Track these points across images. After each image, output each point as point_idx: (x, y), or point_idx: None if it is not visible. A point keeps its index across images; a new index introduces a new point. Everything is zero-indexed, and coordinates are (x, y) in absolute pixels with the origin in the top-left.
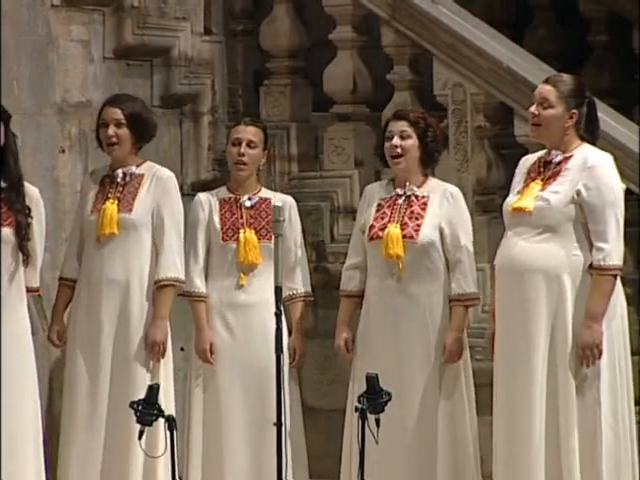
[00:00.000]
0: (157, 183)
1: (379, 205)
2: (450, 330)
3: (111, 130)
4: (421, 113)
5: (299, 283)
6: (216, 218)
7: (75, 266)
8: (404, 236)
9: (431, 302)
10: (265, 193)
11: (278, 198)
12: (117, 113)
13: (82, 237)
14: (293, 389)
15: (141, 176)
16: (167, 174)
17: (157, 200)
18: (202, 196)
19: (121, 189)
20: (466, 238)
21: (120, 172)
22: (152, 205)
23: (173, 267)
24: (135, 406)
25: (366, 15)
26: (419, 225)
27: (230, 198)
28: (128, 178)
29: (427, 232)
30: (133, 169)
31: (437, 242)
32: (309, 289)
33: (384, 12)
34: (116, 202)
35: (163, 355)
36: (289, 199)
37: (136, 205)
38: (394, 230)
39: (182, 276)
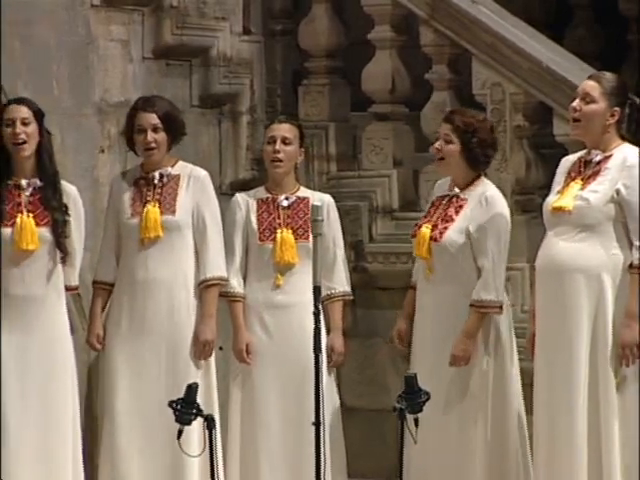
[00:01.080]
0: (194, 183)
1: (432, 203)
2: (460, 334)
3: (150, 136)
4: (470, 117)
5: (338, 282)
6: (253, 218)
7: (111, 270)
8: (430, 237)
9: (457, 304)
10: (303, 192)
11: (316, 197)
12: (153, 118)
13: (119, 240)
14: (332, 389)
15: (177, 176)
16: (202, 173)
17: (196, 200)
18: (239, 196)
19: (159, 191)
20: (493, 244)
21: (157, 174)
22: (192, 205)
23: (217, 266)
24: (174, 405)
25: (405, 14)
26: (446, 228)
27: (267, 198)
28: (165, 179)
29: (451, 235)
30: (169, 170)
31: (463, 246)
32: (348, 288)
33: (423, 11)
34: (157, 204)
35: (211, 354)
36: (327, 198)
37: (178, 206)
38: (424, 231)
39: (226, 274)
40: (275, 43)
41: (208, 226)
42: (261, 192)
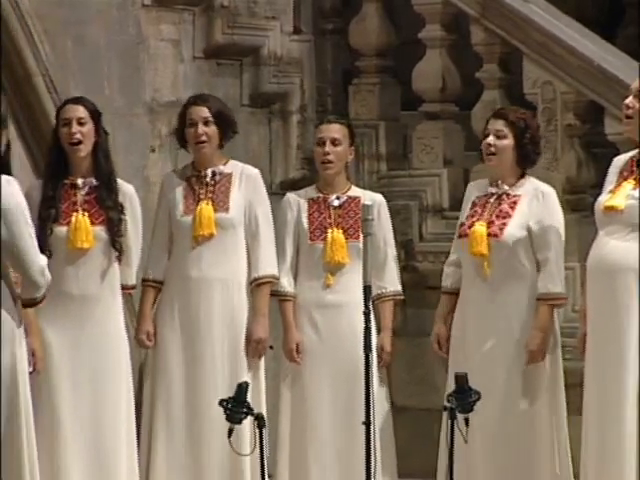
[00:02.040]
0: (247, 181)
1: (474, 203)
2: (533, 329)
3: (200, 129)
4: (522, 114)
5: (388, 282)
6: (304, 218)
7: (161, 267)
8: (489, 234)
9: (517, 301)
10: (354, 191)
11: (367, 196)
12: (205, 111)
13: (170, 238)
14: (382, 388)
15: (229, 174)
16: (254, 171)
17: (249, 198)
18: (290, 196)
19: (212, 189)
20: (555, 238)
21: (209, 171)
22: (244, 203)
23: (269, 264)
24: (224, 404)
25: (455, 13)
26: (505, 224)
27: (318, 198)
28: (217, 177)
29: (512, 231)
30: (221, 168)
31: (524, 241)
32: (398, 288)
33: (474, 10)
34: (210, 202)
35: (264, 351)
36: (378, 197)
37: (231, 204)
38: (479, 228)
39: (277, 272)
40: (325, 42)
41: (260, 224)
42: (312, 191)
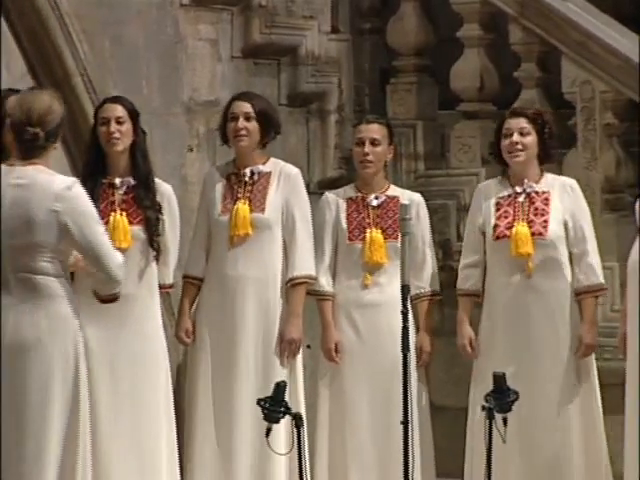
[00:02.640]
0: (285, 180)
1: (498, 204)
2: (584, 323)
3: (240, 123)
4: (537, 110)
5: (426, 282)
6: (342, 218)
7: (201, 264)
8: (533, 234)
9: (559, 297)
10: (393, 191)
11: (406, 196)
12: (247, 107)
13: (209, 236)
14: (421, 388)
15: (268, 174)
16: (294, 171)
17: (286, 197)
18: (329, 195)
19: (250, 188)
20: (589, 230)
21: (248, 170)
22: (282, 203)
23: (306, 265)
24: (262, 404)
25: (494, 12)
26: (546, 221)
27: (357, 197)
28: (256, 176)
29: (555, 227)
30: (260, 167)
31: (563, 236)
32: (437, 287)
33: (512, 9)
34: (247, 202)
35: (298, 352)
36: (417, 197)
37: (268, 204)
38: (522, 229)
39: (314, 273)
40: (363, 41)
41: (297, 224)
42: (351, 191)
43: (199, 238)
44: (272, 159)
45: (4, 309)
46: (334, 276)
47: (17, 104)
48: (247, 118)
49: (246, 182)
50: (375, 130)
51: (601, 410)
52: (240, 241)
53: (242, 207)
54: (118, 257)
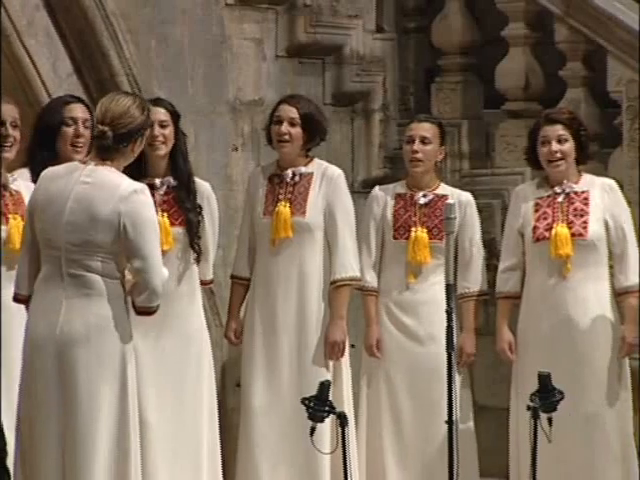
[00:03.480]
0: (327, 182)
1: (537, 205)
2: (627, 323)
3: (284, 127)
4: (570, 112)
5: (473, 281)
6: (389, 214)
7: (246, 264)
8: (572, 234)
9: (599, 298)
10: (443, 189)
11: (455, 195)
12: (293, 111)
13: (253, 236)
14: (464, 388)
15: (310, 175)
16: (337, 172)
17: (328, 199)
18: (378, 191)
19: (291, 189)
20: (630, 229)
21: (290, 172)
22: (324, 205)
23: (349, 267)
24: (307, 403)
25: (539, 11)
26: (585, 222)
27: (406, 194)
28: (297, 178)
29: (595, 228)
30: (302, 169)
31: (604, 236)
32: (482, 288)
33: (558, 8)
34: (288, 204)
35: (342, 354)
36: (465, 196)
37: (308, 207)
38: (562, 230)
39: (358, 274)
40: (408, 40)
41: (340, 226)
42: (400, 187)
43: (244, 238)
44: (316, 160)
45: (56, 302)
46: (379, 272)
47: (100, 103)
48: (291, 123)
49: (287, 183)
50: (426, 128)
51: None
52: (281, 243)
53: (283, 209)
54: (164, 273)
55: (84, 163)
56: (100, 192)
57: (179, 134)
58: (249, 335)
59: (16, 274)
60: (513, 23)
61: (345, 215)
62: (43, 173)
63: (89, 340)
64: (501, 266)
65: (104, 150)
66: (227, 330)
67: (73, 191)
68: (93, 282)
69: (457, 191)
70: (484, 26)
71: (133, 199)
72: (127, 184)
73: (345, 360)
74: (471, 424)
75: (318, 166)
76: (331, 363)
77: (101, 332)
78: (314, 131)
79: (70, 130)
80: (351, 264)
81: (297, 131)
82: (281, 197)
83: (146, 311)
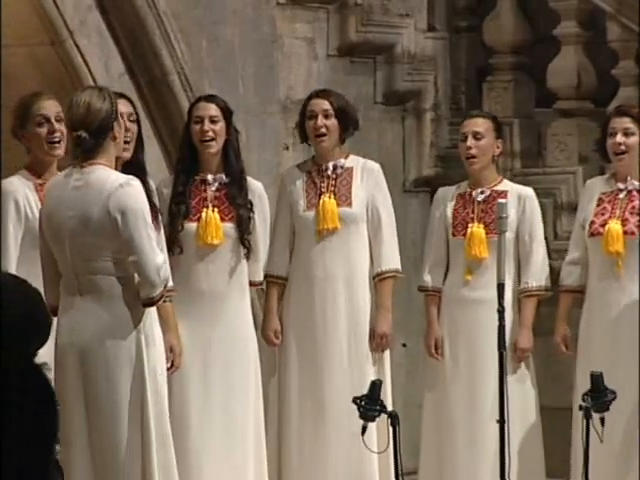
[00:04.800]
0: (368, 175)
1: (600, 200)
2: None
3: (320, 121)
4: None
5: (533, 277)
6: (449, 213)
7: (284, 264)
8: (625, 232)
9: None
10: (504, 186)
11: (516, 190)
12: (325, 104)
13: (291, 234)
14: (529, 387)
15: (350, 169)
16: (376, 166)
17: (371, 192)
18: (440, 191)
19: (334, 182)
20: None
21: (330, 164)
22: (367, 197)
23: (392, 259)
24: (358, 402)
25: (591, 10)
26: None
27: (465, 192)
28: (339, 170)
29: None
30: (342, 161)
31: None
32: (542, 283)
33: (610, 6)
34: (332, 196)
35: (389, 346)
36: (526, 191)
37: (354, 198)
38: (614, 226)
39: (400, 267)
40: (459, 39)
41: (382, 219)
42: (463, 186)
43: (280, 237)
44: (352, 155)
45: (70, 309)
46: (445, 272)
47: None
48: (326, 116)
49: (329, 176)
50: (478, 124)
51: None
52: (327, 236)
53: (328, 201)
54: (157, 259)
55: (75, 166)
56: (90, 193)
57: (231, 130)
58: (289, 333)
59: (43, 288)
60: (565, 22)
61: (387, 209)
62: (48, 183)
63: (104, 344)
64: (566, 259)
65: (88, 151)
66: (266, 330)
67: (68, 198)
68: (105, 283)
69: (517, 186)
70: (536, 25)
71: (119, 193)
72: (113, 179)
73: (387, 356)
74: (537, 423)
75: (356, 160)
76: (376, 356)
77: (115, 335)
78: (348, 122)
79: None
80: (394, 256)
81: (333, 123)
82: (324, 189)
83: (148, 303)
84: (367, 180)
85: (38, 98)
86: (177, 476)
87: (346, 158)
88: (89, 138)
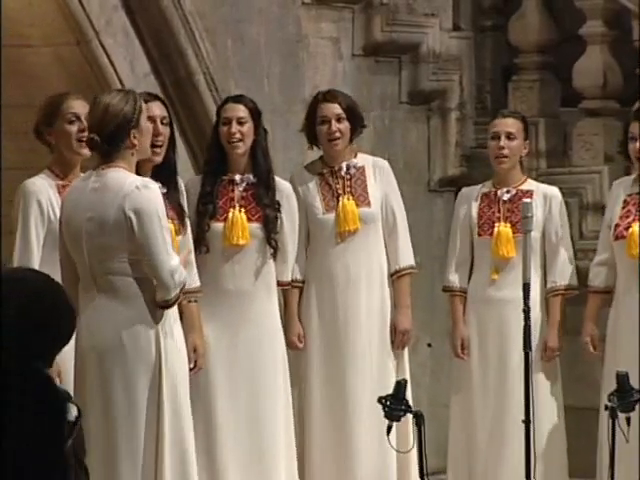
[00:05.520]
0: (380, 173)
1: (625, 202)
2: None
3: (334, 126)
4: None
5: (559, 276)
6: (474, 212)
7: (302, 267)
8: None
9: None
10: (529, 185)
11: (541, 190)
12: (337, 108)
13: (307, 236)
14: (554, 386)
15: (362, 167)
16: (385, 163)
17: (384, 190)
18: (465, 191)
19: (349, 182)
20: None
21: (344, 165)
22: (381, 195)
23: (408, 255)
24: (383, 401)
25: (617, 9)
26: None
27: (490, 192)
28: (352, 170)
29: None
30: (354, 161)
31: None
32: (570, 282)
33: (636, 6)
34: (350, 197)
35: (409, 342)
36: (551, 190)
37: (371, 198)
38: (636, 229)
39: (414, 263)
40: (485, 39)
41: (397, 216)
42: (487, 186)
43: (299, 240)
44: (359, 153)
45: (88, 310)
46: (470, 272)
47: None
48: (338, 119)
49: (343, 177)
50: (510, 124)
51: None
52: (348, 237)
53: (348, 202)
54: (171, 262)
55: (93, 169)
56: (107, 195)
57: (260, 131)
58: (311, 335)
59: None
60: (591, 21)
61: (400, 205)
62: (69, 187)
63: (123, 346)
64: (594, 260)
65: (104, 154)
66: (290, 334)
67: (85, 200)
68: (123, 284)
69: (543, 186)
70: (561, 24)
71: (134, 195)
72: (130, 182)
73: (406, 354)
74: (561, 423)
75: (365, 158)
76: (397, 354)
77: (133, 336)
78: (357, 122)
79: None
80: (409, 252)
81: (345, 126)
82: (340, 191)
83: (163, 305)
84: (380, 178)
85: (68, 97)
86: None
87: (355, 157)
88: (101, 142)
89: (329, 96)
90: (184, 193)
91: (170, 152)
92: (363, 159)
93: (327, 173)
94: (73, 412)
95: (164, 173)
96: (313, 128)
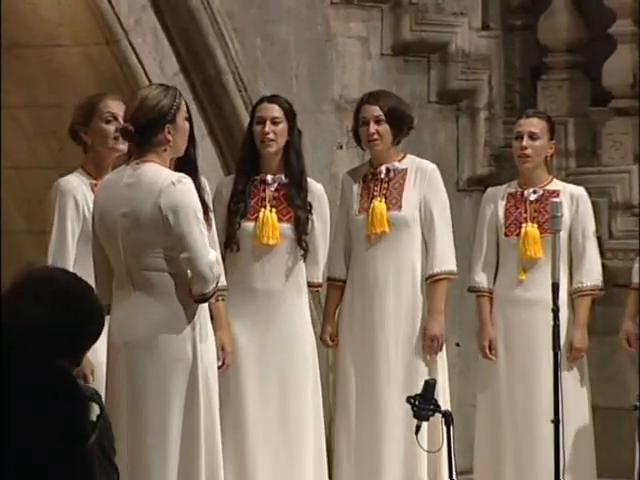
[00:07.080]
0: (422, 176)
1: None
2: None
3: (372, 127)
4: None
5: (586, 276)
6: (500, 213)
7: (342, 266)
8: None
9: None
10: (555, 185)
11: (568, 190)
12: (376, 110)
13: (349, 237)
14: (581, 387)
15: (404, 170)
16: (431, 166)
17: (424, 193)
18: (489, 191)
19: (386, 185)
20: None
21: (383, 168)
22: (419, 199)
23: (446, 260)
24: (412, 401)
25: None
26: None
27: (516, 192)
28: (392, 174)
29: None
30: (396, 164)
31: None
32: (597, 282)
33: None
34: (383, 200)
35: (441, 348)
36: (578, 190)
37: (404, 201)
38: None
39: (455, 268)
40: (514, 38)
41: (436, 220)
42: (513, 186)
43: (339, 239)
44: (409, 156)
45: (123, 305)
46: (496, 272)
47: None
48: (377, 121)
49: (382, 180)
50: (534, 124)
51: None
52: (378, 239)
53: (378, 205)
54: (209, 256)
55: (127, 164)
56: (141, 190)
57: (294, 132)
58: (346, 338)
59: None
60: (620, 20)
61: (441, 209)
62: (101, 180)
63: (157, 342)
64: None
65: (137, 146)
66: (323, 333)
67: (120, 195)
68: (158, 279)
69: (569, 186)
70: (591, 23)
71: (170, 191)
72: (165, 177)
73: (442, 355)
74: (589, 423)
75: (411, 161)
76: (428, 358)
77: (167, 332)
78: (401, 123)
79: None
80: (448, 257)
81: (384, 128)
82: (376, 193)
83: (200, 299)
84: (420, 181)
85: (106, 96)
86: (222, 477)
87: (401, 160)
88: (134, 132)
89: (371, 98)
90: (208, 190)
91: (190, 147)
92: (408, 162)
93: (369, 175)
94: (96, 411)
95: (185, 169)
96: (357, 129)
